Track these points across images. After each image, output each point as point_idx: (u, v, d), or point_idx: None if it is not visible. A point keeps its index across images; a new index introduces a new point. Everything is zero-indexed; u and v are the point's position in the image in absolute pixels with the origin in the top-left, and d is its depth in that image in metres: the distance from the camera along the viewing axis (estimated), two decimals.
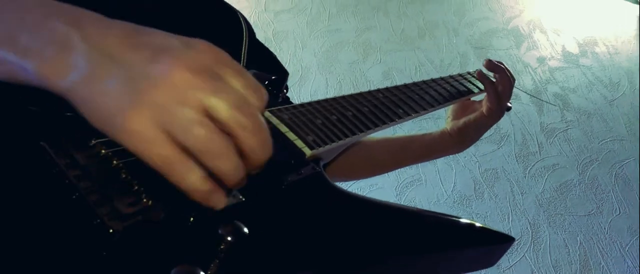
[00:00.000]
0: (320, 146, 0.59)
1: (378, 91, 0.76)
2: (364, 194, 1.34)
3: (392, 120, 0.71)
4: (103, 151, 0.45)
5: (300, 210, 0.50)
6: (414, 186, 2.21)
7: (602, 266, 2.07)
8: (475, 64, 2.80)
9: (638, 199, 2.30)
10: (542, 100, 2.66)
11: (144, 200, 0.42)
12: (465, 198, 2.22)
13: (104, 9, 0.40)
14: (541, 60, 2.94)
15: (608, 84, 2.88)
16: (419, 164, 2.13)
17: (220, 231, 0.40)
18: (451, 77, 0.90)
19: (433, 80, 0.86)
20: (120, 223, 0.40)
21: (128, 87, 0.35)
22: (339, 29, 2.88)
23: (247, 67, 0.75)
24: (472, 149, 2.36)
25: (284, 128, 0.60)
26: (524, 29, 3.11)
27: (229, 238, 0.39)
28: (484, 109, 0.86)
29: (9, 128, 0.45)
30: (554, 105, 2.66)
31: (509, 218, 2.18)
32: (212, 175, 0.37)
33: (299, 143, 0.58)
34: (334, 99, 0.69)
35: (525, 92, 2.65)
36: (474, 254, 0.57)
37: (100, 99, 0.35)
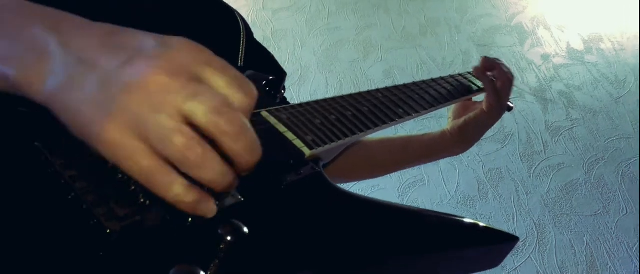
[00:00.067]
0: (319, 146, 0.60)
1: (377, 90, 0.77)
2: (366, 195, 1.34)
3: (392, 120, 0.71)
4: None
5: (300, 210, 0.50)
6: (417, 187, 2.22)
7: (609, 267, 2.07)
8: (478, 62, 2.79)
9: None
10: (547, 99, 2.66)
11: (141, 200, 0.42)
12: (469, 199, 2.22)
13: (103, 9, 0.40)
14: (545, 57, 2.94)
15: (614, 81, 2.88)
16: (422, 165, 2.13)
17: (219, 231, 0.40)
18: (452, 76, 0.91)
19: (433, 80, 0.87)
20: (117, 223, 0.40)
21: (103, 95, 0.34)
22: (338, 27, 2.88)
23: (245, 67, 0.76)
24: (475, 148, 2.36)
25: (282, 128, 0.60)
26: (527, 25, 3.12)
27: (229, 238, 0.40)
28: (484, 106, 0.86)
29: (1, 129, 0.46)
30: (557, 103, 2.67)
31: (513, 219, 2.18)
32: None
33: (297, 143, 0.59)
34: (333, 98, 0.70)
35: (528, 92, 2.65)
36: (478, 254, 0.57)
37: (77, 108, 0.34)
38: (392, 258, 0.51)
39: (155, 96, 0.33)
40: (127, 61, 0.34)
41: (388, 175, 1.05)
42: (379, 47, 2.81)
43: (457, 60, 2.81)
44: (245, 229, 0.41)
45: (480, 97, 0.91)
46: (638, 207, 2.27)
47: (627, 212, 2.26)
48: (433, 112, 0.81)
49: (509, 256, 0.60)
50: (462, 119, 0.88)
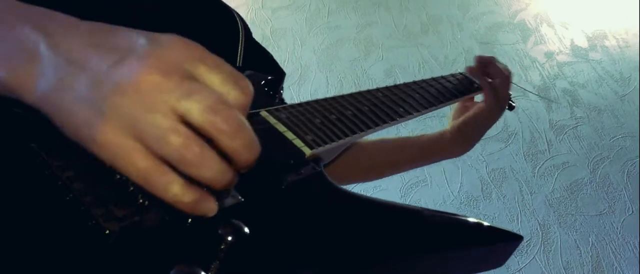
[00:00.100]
0: (319, 146, 0.60)
1: (378, 89, 0.77)
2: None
3: (392, 119, 0.72)
4: None
5: (300, 210, 0.51)
6: (419, 187, 2.22)
7: (615, 268, 2.07)
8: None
9: None
10: (550, 100, 2.66)
11: (140, 201, 0.43)
12: (472, 199, 2.22)
13: (100, 9, 0.40)
14: (549, 55, 2.94)
15: (619, 78, 2.88)
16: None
17: (220, 232, 0.40)
18: (453, 75, 0.91)
19: (435, 78, 0.87)
20: (116, 224, 0.40)
21: (95, 96, 0.34)
22: (339, 25, 2.89)
23: (244, 67, 0.76)
24: (478, 148, 2.36)
25: (282, 128, 0.60)
26: (530, 22, 3.12)
27: (230, 238, 0.40)
28: (483, 105, 0.86)
29: None
30: (561, 101, 2.67)
31: (518, 219, 2.18)
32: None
33: (297, 143, 0.59)
34: (333, 98, 0.70)
35: (531, 92, 2.65)
36: (481, 253, 0.57)
37: (69, 110, 0.34)
38: (395, 258, 0.51)
39: (148, 95, 0.33)
40: (118, 61, 0.34)
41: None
42: (380, 45, 2.82)
43: (459, 58, 2.81)
44: (246, 230, 0.41)
45: (482, 97, 0.91)
46: None
47: (633, 211, 2.26)
48: (435, 112, 0.81)
49: (513, 257, 0.60)
50: (461, 119, 0.88)
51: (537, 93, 2.66)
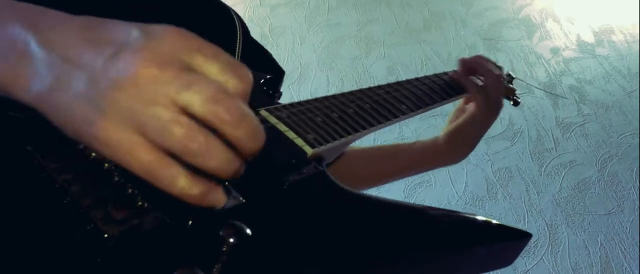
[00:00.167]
0: (321, 144, 0.60)
1: (380, 87, 0.77)
2: None
3: (395, 116, 0.72)
4: (93, 154, 0.46)
5: (303, 210, 0.51)
6: (423, 188, 2.22)
7: (625, 268, 2.07)
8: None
9: None
10: (557, 94, 2.66)
11: (140, 203, 0.43)
12: (477, 199, 2.22)
13: (98, 8, 0.40)
14: (555, 50, 2.94)
15: (626, 74, 2.88)
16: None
17: (221, 233, 0.40)
18: (455, 72, 0.91)
19: (437, 75, 0.87)
20: (115, 227, 0.40)
21: (93, 93, 0.34)
22: (339, 22, 2.89)
23: None
24: (484, 146, 2.37)
25: (283, 127, 0.61)
26: (535, 18, 3.12)
27: (231, 240, 0.40)
28: (473, 108, 0.84)
29: None
30: (566, 97, 2.67)
31: (524, 219, 2.18)
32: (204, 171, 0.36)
33: (299, 142, 0.59)
34: (334, 96, 0.70)
35: (537, 87, 2.65)
36: (490, 251, 0.58)
37: (68, 108, 0.35)
38: (401, 257, 0.51)
39: (146, 89, 0.33)
40: (113, 55, 0.34)
41: None
42: (381, 43, 2.82)
43: (463, 55, 2.80)
44: (248, 231, 0.41)
45: None
46: None
47: None
48: (440, 110, 0.81)
49: (520, 258, 0.61)
50: (452, 125, 0.86)
51: (542, 88, 2.66)
